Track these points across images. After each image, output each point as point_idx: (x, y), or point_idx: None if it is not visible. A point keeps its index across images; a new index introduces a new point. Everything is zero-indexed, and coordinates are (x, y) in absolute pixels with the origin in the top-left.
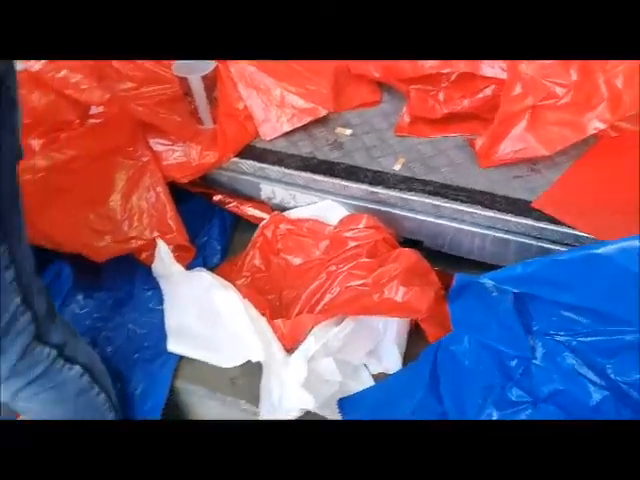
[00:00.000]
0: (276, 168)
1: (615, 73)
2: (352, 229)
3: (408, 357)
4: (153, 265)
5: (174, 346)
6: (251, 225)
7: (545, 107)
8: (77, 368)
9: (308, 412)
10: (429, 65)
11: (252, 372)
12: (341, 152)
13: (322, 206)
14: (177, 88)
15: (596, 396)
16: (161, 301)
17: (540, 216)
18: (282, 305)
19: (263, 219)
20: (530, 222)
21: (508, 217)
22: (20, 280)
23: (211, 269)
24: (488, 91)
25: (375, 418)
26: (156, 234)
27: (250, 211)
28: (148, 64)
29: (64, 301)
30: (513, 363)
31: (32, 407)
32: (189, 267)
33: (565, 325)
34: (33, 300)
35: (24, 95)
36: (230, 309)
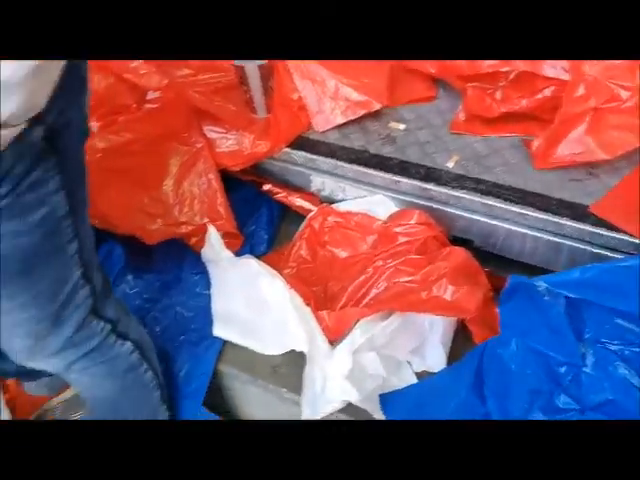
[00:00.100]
0: (327, 160)
1: None
2: (403, 224)
3: (452, 357)
4: (203, 250)
5: (220, 331)
6: (298, 216)
7: (607, 110)
8: (128, 344)
9: (350, 405)
10: (488, 63)
11: (295, 361)
12: (394, 147)
13: (372, 200)
14: (233, 76)
15: None
16: (208, 286)
17: (597, 221)
18: (326, 297)
19: (311, 210)
20: (585, 227)
21: (562, 220)
22: (82, 254)
23: (257, 258)
24: (548, 92)
25: (416, 416)
26: (206, 220)
27: (299, 202)
28: None
29: (114, 281)
30: (562, 369)
31: (83, 380)
32: (236, 255)
33: (619, 334)
34: (92, 275)
35: None
36: (276, 297)
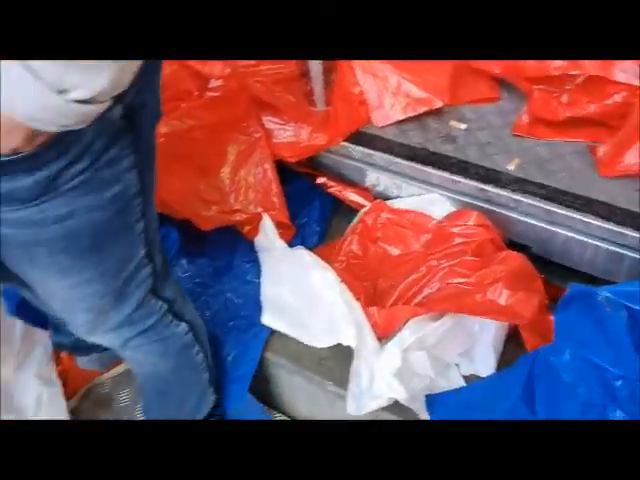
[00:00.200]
0: (384, 156)
1: None
2: (460, 225)
3: (501, 362)
4: (256, 238)
5: (268, 319)
6: (351, 211)
7: None
8: (183, 325)
9: (394, 404)
10: (556, 65)
11: (341, 355)
12: (453, 146)
13: (427, 199)
14: (294, 68)
15: None
16: (259, 274)
17: None
18: (376, 293)
19: (364, 206)
20: None
21: (626, 231)
22: (147, 234)
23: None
24: (618, 97)
25: (462, 419)
26: (259, 209)
27: (352, 197)
28: None
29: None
30: (618, 383)
31: (137, 357)
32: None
33: None
34: (154, 255)
35: None
36: (327, 290)
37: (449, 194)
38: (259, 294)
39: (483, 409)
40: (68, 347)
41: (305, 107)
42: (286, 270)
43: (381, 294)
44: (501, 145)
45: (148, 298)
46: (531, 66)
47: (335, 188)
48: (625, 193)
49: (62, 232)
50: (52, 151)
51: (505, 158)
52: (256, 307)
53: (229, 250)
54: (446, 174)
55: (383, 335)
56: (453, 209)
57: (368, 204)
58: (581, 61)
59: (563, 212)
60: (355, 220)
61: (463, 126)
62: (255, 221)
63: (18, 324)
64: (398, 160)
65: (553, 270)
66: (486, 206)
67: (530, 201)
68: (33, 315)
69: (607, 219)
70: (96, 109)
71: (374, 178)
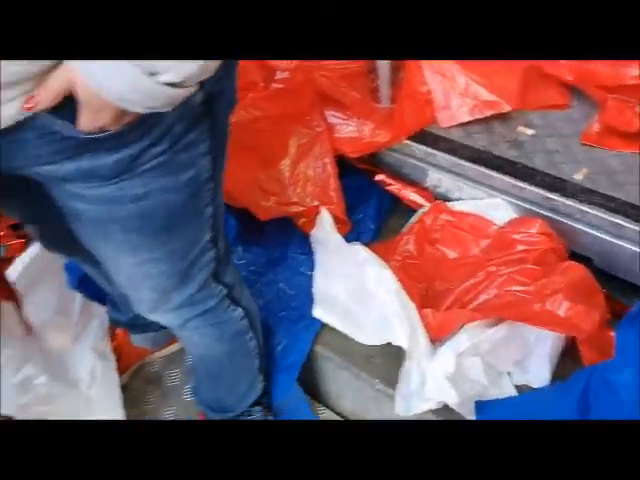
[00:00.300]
0: (448, 157)
1: None
2: (522, 232)
3: (555, 375)
4: (313, 231)
5: (319, 312)
6: (407, 210)
7: None
8: (239, 310)
9: (442, 408)
10: (632, 74)
11: (390, 354)
12: (519, 151)
13: (489, 203)
14: (361, 64)
15: None
16: (312, 267)
17: None
18: (429, 295)
19: (423, 206)
20: None
21: None
22: (214, 219)
23: None
24: None
25: None
26: (316, 203)
27: (411, 196)
28: None
29: None
30: None
31: (194, 339)
32: None
33: None
34: (218, 240)
35: None
36: (382, 288)
37: (512, 200)
38: (311, 286)
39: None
40: (124, 324)
41: (369, 103)
42: (340, 264)
43: (435, 296)
44: (569, 154)
45: (209, 282)
46: (605, 73)
47: (394, 186)
48: None
49: (137, 211)
50: (136, 131)
51: (573, 167)
52: (308, 299)
53: (284, 241)
54: (511, 179)
55: (436, 338)
56: (515, 215)
57: (427, 204)
58: None
59: (631, 226)
60: (413, 220)
61: (530, 132)
62: (311, 214)
63: (77, 297)
64: (462, 162)
65: (615, 285)
66: (550, 215)
67: (596, 212)
68: (93, 290)
69: None
70: (183, 93)
71: (436, 179)
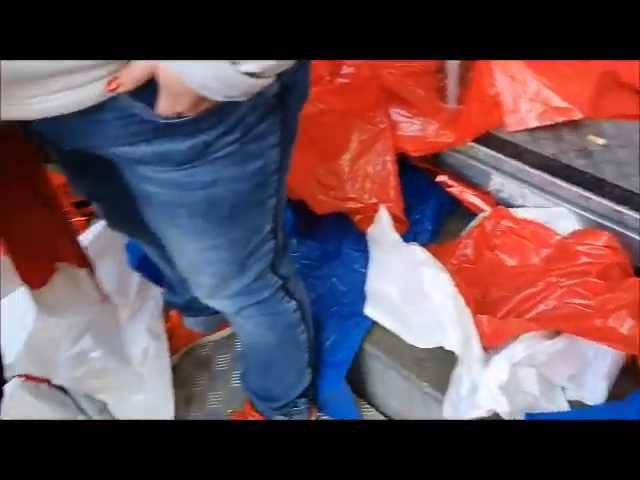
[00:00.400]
0: (513, 162)
1: None
2: (587, 244)
3: (611, 394)
4: (370, 228)
5: (371, 311)
6: (466, 214)
7: None
8: (293, 303)
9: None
10: None
11: (440, 358)
12: (588, 161)
13: (553, 212)
14: (428, 63)
15: None
16: (366, 264)
17: None
18: (485, 302)
19: (484, 210)
20: None
21: None
22: (276, 211)
23: None
24: None
25: None
26: (374, 200)
27: (472, 199)
28: None
29: None
30: None
31: (247, 327)
32: None
33: None
34: (278, 231)
35: None
36: (437, 291)
37: (577, 210)
38: (364, 284)
39: None
40: (178, 306)
41: (435, 103)
42: (396, 264)
43: (491, 303)
44: None
45: (266, 272)
46: None
47: (455, 188)
48: None
49: (205, 197)
50: (212, 119)
51: None
52: (360, 296)
53: (339, 236)
54: (578, 189)
55: (489, 345)
56: (579, 226)
57: (488, 209)
58: None
59: None
60: (473, 224)
61: (601, 141)
62: (368, 211)
63: (135, 277)
64: (527, 168)
65: None
66: (617, 228)
67: None
68: (151, 271)
69: None
70: (261, 83)
71: (499, 183)
